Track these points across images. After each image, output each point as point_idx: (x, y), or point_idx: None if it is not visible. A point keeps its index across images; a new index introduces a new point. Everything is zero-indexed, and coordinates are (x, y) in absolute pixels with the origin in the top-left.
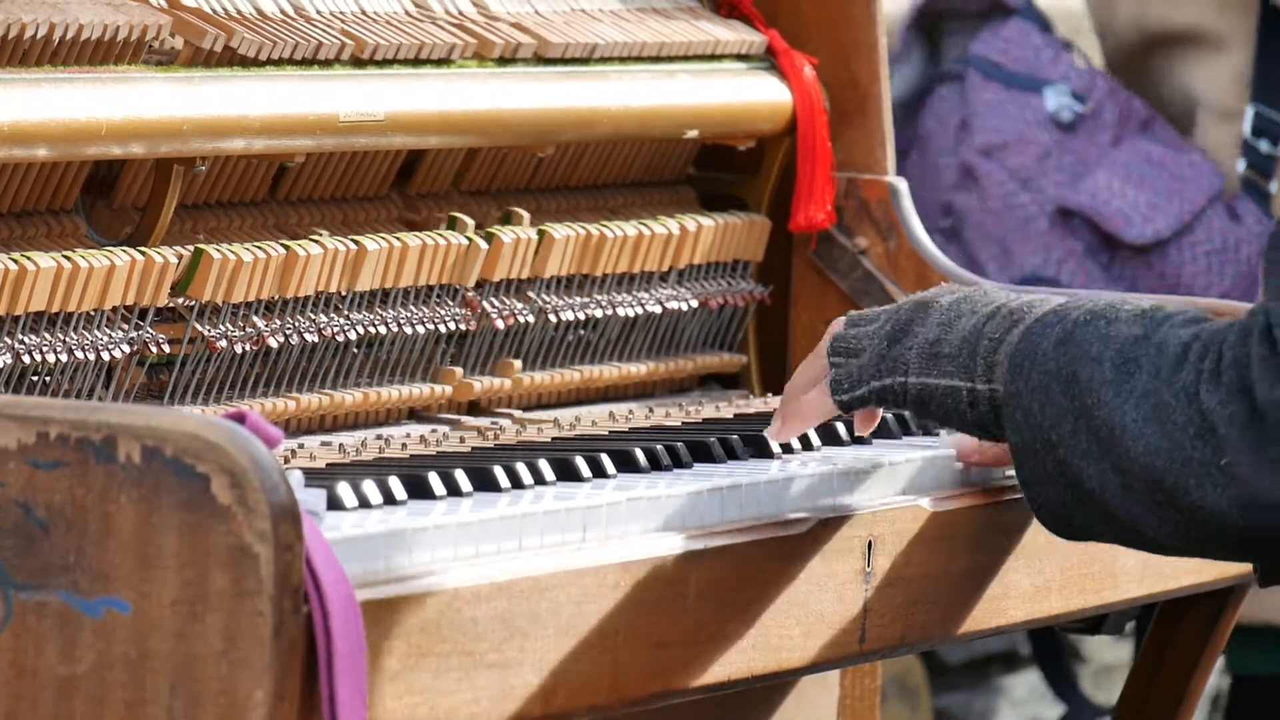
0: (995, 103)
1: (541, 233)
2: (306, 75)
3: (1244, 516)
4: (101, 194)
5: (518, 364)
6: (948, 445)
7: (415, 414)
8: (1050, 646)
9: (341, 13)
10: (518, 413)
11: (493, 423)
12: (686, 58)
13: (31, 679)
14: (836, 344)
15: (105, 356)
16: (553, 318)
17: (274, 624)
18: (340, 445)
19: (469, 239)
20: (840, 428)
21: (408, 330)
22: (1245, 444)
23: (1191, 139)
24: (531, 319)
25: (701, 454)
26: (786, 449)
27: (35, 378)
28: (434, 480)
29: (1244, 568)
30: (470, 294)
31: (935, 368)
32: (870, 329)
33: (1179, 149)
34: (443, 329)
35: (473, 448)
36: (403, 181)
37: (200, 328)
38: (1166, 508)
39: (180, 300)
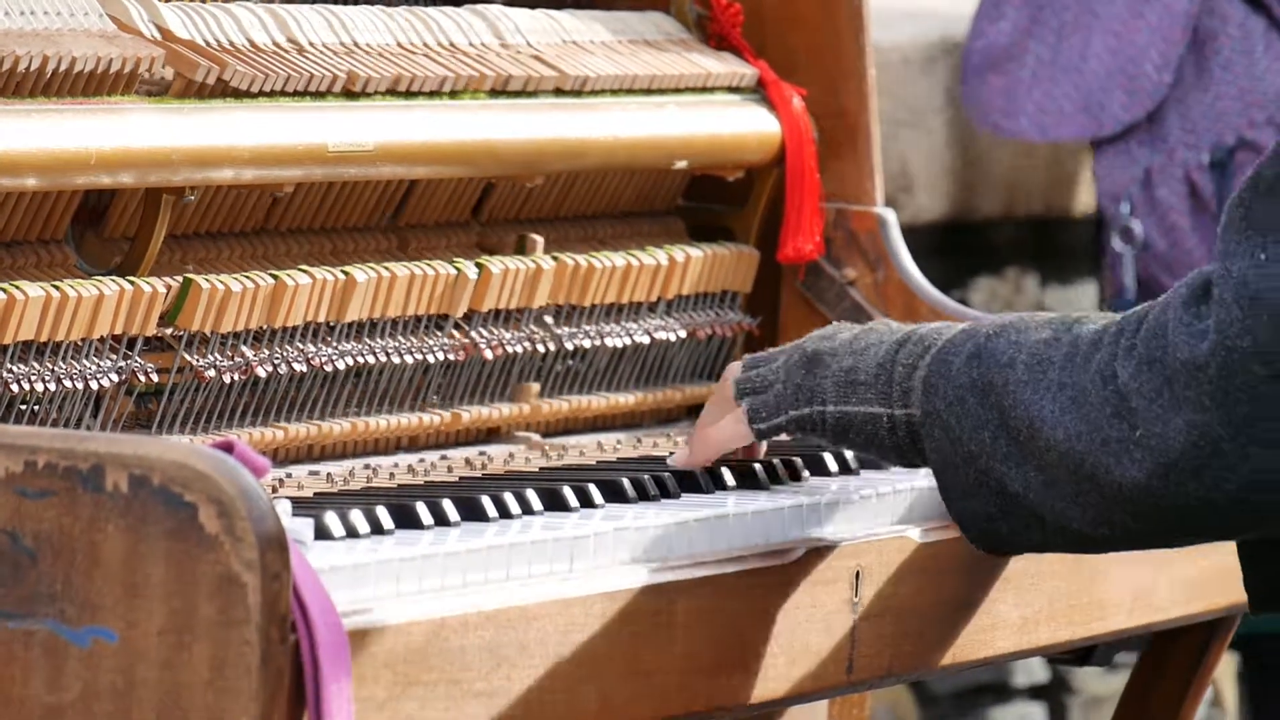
0: None
1: (531, 263)
2: (295, 105)
3: (1159, 485)
4: (91, 224)
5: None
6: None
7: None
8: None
9: (334, 45)
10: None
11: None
12: (678, 90)
13: (19, 708)
14: (742, 386)
15: (94, 386)
16: (541, 348)
17: (261, 653)
18: (328, 475)
19: (458, 269)
20: (829, 459)
21: (396, 360)
22: (1155, 414)
23: None
24: (520, 349)
25: (689, 485)
26: (774, 479)
27: (23, 407)
28: (421, 510)
29: (1233, 600)
30: (462, 325)
31: (853, 395)
32: (774, 366)
33: None
34: (431, 359)
35: (460, 478)
36: (396, 213)
37: (189, 357)
38: (1090, 494)
39: (169, 330)
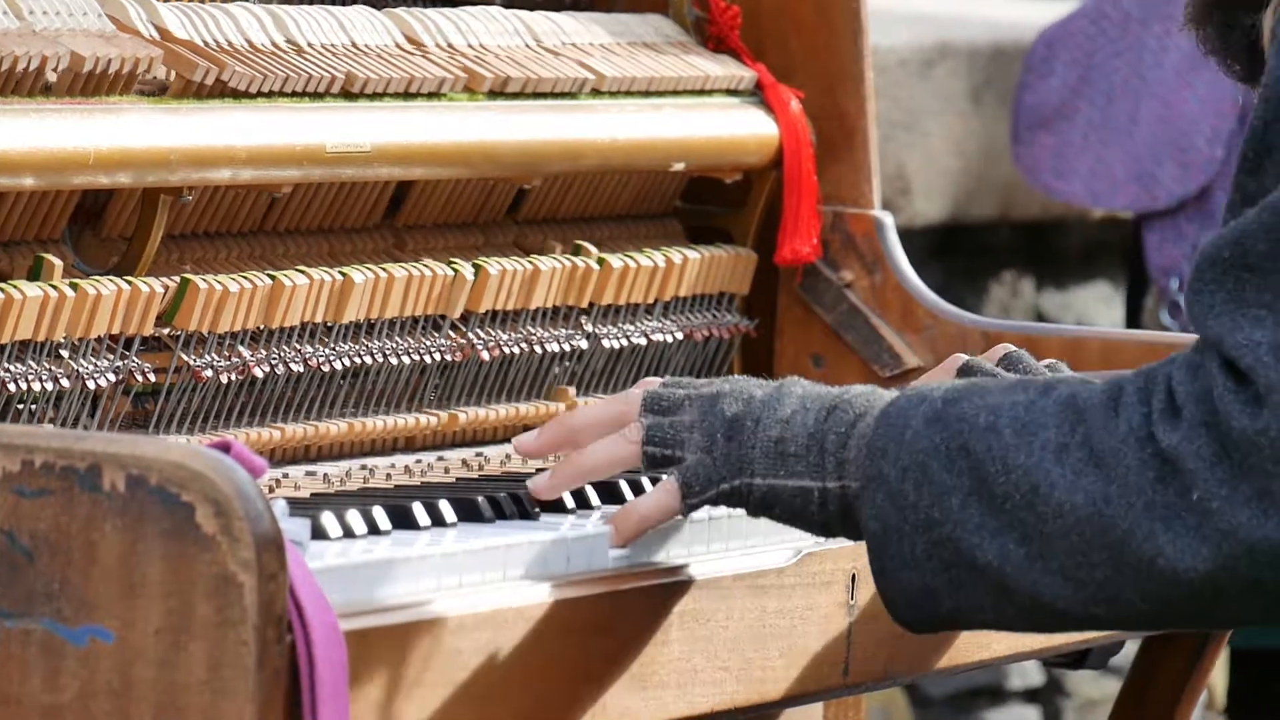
0: None
1: (529, 264)
2: (294, 106)
3: (1216, 555)
4: (89, 224)
5: (571, 390)
6: None
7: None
8: None
9: (333, 46)
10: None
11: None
12: (676, 92)
13: (15, 707)
14: (651, 404)
15: (91, 385)
16: (538, 349)
17: (257, 653)
18: (325, 475)
19: (455, 270)
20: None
21: (394, 361)
22: (1218, 477)
23: None
24: (517, 350)
25: None
26: None
27: (21, 406)
28: (418, 510)
29: None
30: (459, 326)
31: (783, 468)
32: (683, 419)
33: None
34: (428, 360)
35: (457, 478)
36: (392, 212)
37: (186, 357)
38: (1102, 567)
39: (166, 330)
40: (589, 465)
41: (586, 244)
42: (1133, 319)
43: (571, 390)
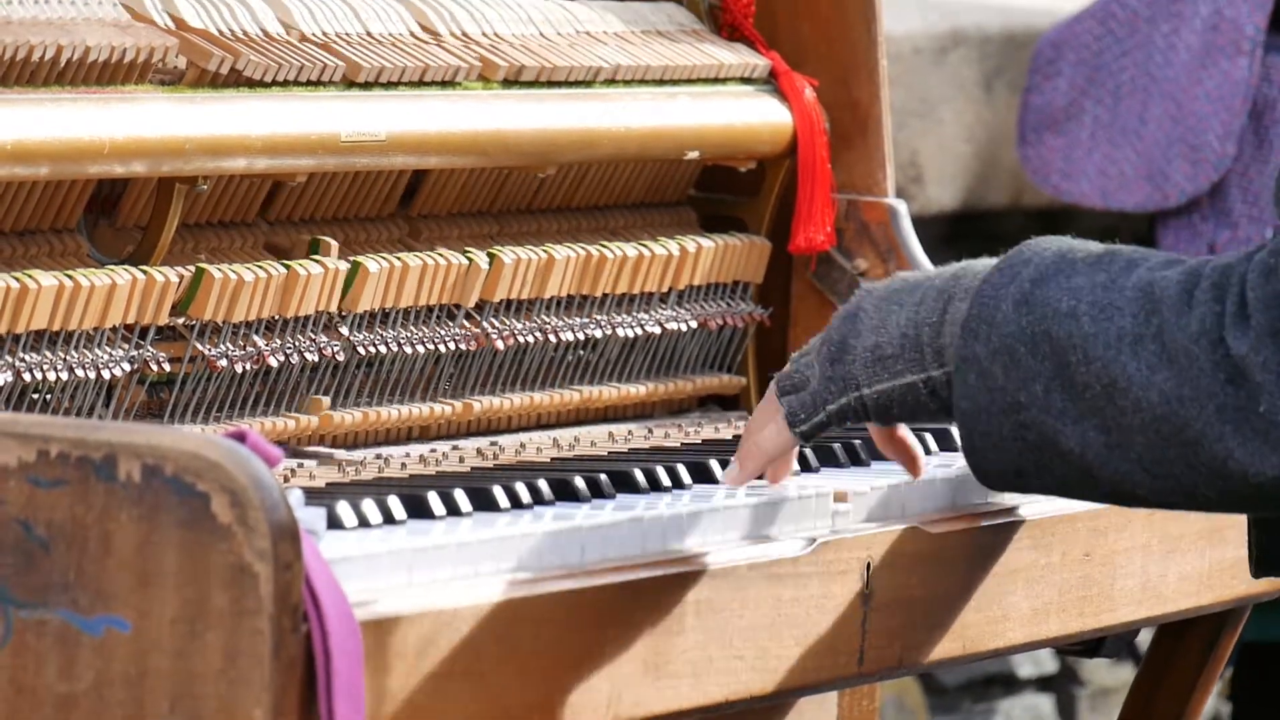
0: None
1: (544, 253)
2: (308, 95)
3: None
4: (104, 213)
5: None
6: (950, 467)
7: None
8: None
9: (347, 34)
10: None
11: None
12: (690, 81)
13: (31, 697)
14: (783, 382)
15: (106, 375)
16: (553, 338)
17: (273, 643)
18: (340, 464)
19: (469, 259)
20: (838, 449)
21: (408, 350)
22: None
23: None
24: (531, 339)
25: (700, 475)
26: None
27: (36, 396)
28: (433, 500)
29: (1243, 591)
30: (474, 315)
31: (885, 371)
32: (808, 358)
33: None
34: (443, 349)
35: (472, 468)
36: (406, 202)
37: (201, 347)
38: (1179, 462)
39: (181, 319)
40: (758, 449)
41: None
42: None
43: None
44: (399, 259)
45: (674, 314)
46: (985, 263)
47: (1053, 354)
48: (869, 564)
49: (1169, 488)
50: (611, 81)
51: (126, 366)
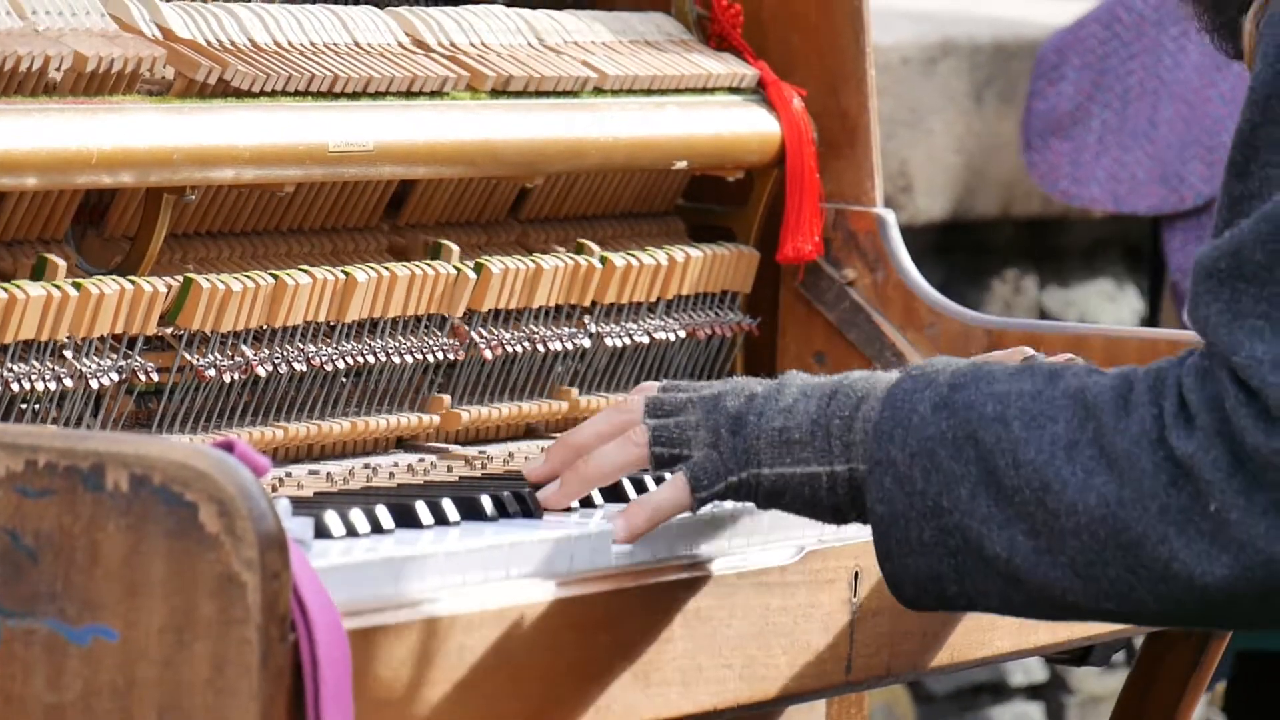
0: None
1: (531, 263)
2: (296, 105)
3: (1235, 564)
4: (92, 223)
5: (574, 391)
6: None
7: (402, 443)
8: None
9: (335, 45)
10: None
11: (480, 452)
12: (678, 90)
13: (19, 706)
14: (657, 432)
15: (94, 385)
16: (541, 348)
17: (261, 652)
18: (328, 474)
19: (457, 269)
20: None
21: (396, 360)
22: (1235, 488)
23: None
24: (520, 349)
25: None
26: None
27: (24, 406)
28: (421, 509)
29: None
30: (458, 323)
31: (789, 456)
32: (689, 417)
33: None
34: (431, 359)
35: (460, 477)
36: (392, 212)
37: (189, 357)
38: (1114, 566)
39: (169, 329)
40: (597, 471)
41: (589, 243)
42: (1153, 319)
43: (574, 391)
44: (387, 269)
45: (662, 324)
46: (891, 374)
47: (979, 458)
48: (856, 573)
49: (1103, 591)
50: (599, 91)
51: (115, 376)
